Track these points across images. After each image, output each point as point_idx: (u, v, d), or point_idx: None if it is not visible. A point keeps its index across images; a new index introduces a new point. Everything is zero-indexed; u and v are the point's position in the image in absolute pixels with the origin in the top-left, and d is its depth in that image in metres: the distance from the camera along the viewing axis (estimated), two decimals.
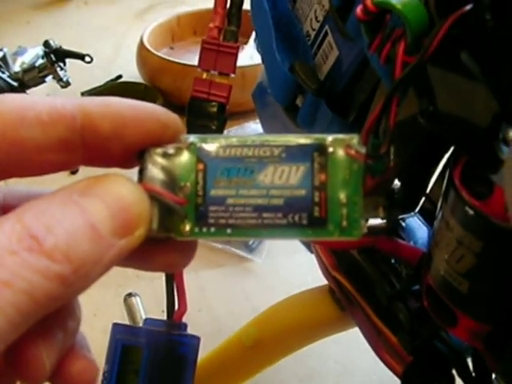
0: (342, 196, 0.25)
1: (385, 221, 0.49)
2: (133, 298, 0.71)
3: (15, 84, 1.22)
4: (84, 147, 0.25)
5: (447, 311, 0.41)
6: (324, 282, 0.56)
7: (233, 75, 0.53)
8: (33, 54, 1.32)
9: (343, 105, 0.48)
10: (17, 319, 0.22)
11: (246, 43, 1.22)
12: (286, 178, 0.26)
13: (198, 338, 0.55)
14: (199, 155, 0.25)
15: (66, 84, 1.26)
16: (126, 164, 0.27)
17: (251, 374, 0.58)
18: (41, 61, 1.27)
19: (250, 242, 0.88)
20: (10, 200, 0.27)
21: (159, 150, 0.25)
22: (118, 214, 0.23)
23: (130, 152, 0.26)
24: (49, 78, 1.26)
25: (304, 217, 0.25)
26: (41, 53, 1.32)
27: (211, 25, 0.51)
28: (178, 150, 0.25)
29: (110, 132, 0.25)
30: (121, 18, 1.78)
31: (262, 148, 0.26)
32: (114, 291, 0.74)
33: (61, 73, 1.25)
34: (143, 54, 1.29)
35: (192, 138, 0.26)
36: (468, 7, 0.31)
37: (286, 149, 0.26)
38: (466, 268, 0.37)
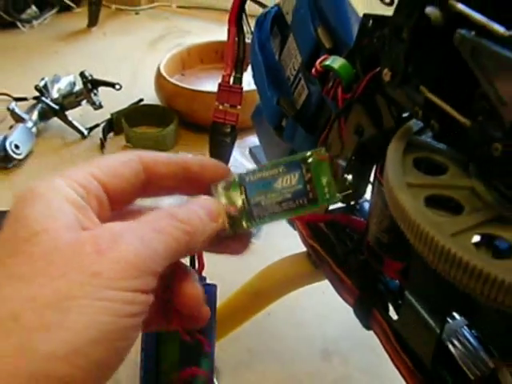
0: (323, 181, 0.42)
1: (344, 204, 0.69)
2: None
3: (56, 107, 1.40)
4: (185, 181, 0.42)
5: (378, 258, 0.61)
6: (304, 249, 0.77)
7: (239, 106, 0.75)
8: (66, 81, 1.50)
9: (312, 126, 0.67)
10: (167, 252, 0.36)
11: (245, 70, 1.41)
12: (290, 181, 0.41)
13: (215, 285, 0.74)
14: (241, 182, 0.41)
15: (99, 107, 1.43)
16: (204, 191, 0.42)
17: (253, 314, 0.79)
18: (77, 88, 1.45)
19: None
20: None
21: (221, 184, 0.41)
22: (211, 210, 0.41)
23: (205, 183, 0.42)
24: (83, 102, 1.44)
25: (304, 200, 0.41)
26: (72, 80, 1.50)
27: (224, 73, 0.72)
28: (230, 183, 0.41)
29: (199, 173, 0.42)
30: (136, 47, 1.91)
31: (272, 169, 0.41)
32: None
33: (94, 98, 1.42)
34: (160, 81, 1.46)
35: (234, 174, 0.42)
36: (377, 69, 0.52)
37: (285, 166, 0.41)
38: (385, 227, 0.56)
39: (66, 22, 2.15)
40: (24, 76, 1.65)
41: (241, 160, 1.23)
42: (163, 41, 1.95)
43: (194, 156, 0.44)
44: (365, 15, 0.51)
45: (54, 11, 2.20)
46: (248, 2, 0.75)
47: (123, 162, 0.41)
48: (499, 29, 0.34)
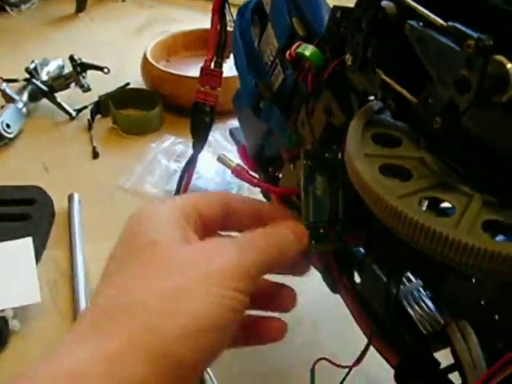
0: None
1: None
2: None
3: (46, 89, 1.44)
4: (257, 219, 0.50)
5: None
6: None
7: (219, 88, 0.80)
8: (55, 64, 1.54)
9: (287, 107, 0.71)
10: (261, 263, 0.43)
11: (228, 57, 1.46)
12: None
13: None
14: None
15: (87, 89, 1.47)
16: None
17: None
18: (66, 71, 1.49)
19: None
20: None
21: None
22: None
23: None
24: (72, 85, 1.48)
25: None
26: (61, 63, 1.54)
27: (206, 58, 0.78)
28: None
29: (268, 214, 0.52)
30: (122, 33, 1.95)
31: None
32: None
33: (83, 81, 1.47)
34: (146, 66, 1.50)
35: None
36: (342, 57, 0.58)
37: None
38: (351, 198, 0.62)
39: (54, 7, 2.17)
40: (14, 59, 1.69)
41: (222, 141, 1.28)
42: (149, 28, 1.98)
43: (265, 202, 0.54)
44: (334, 7, 0.57)
45: None
46: None
47: (215, 196, 0.49)
48: (439, 21, 0.40)
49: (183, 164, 0.88)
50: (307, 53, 0.60)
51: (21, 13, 2.13)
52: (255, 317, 0.54)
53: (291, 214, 0.55)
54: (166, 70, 1.47)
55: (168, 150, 1.29)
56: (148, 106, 1.43)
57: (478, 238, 0.39)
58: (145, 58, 1.52)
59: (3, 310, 0.86)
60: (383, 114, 0.53)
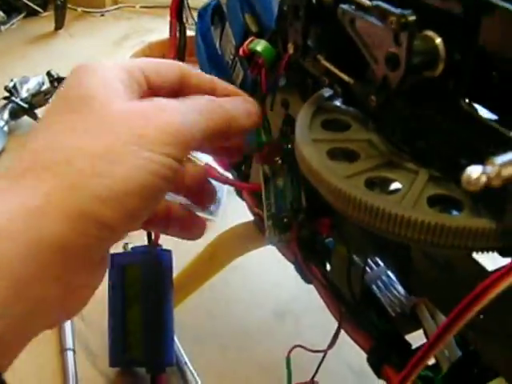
0: None
1: None
2: (128, 245, 0.95)
3: (26, 106, 1.44)
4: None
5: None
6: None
7: None
8: (35, 81, 1.55)
9: None
10: (203, 131, 0.42)
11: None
12: None
13: (170, 251, 0.81)
14: None
15: None
16: None
17: (209, 277, 0.86)
18: (45, 87, 1.50)
19: (210, 207, 1.14)
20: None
21: None
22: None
23: None
24: (51, 100, 1.48)
25: None
26: (41, 80, 1.55)
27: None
28: None
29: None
30: (102, 46, 1.96)
31: None
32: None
33: None
34: None
35: None
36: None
37: None
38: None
39: (34, 26, 2.18)
40: None
41: None
42: (128, 40, 2.00)
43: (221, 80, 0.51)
44: (281, 0, 0.58)
45: (21, 16, 2.23)
46: None
47: (167, 64, 0.47)
48: (366, 2, 0.40)
49: None
50: (259, 48, 0.60)
51: (0, 33, 2.13)
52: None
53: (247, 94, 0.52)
54: None
55: None
56: None
57: (422, 211, 0.40)
58: None
59: None
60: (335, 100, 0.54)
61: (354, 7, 0.42)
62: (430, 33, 0.39)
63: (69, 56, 1.88)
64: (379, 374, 0.59)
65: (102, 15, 2.29)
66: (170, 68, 0.47)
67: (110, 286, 0.81)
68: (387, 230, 0.41)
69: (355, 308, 0.62)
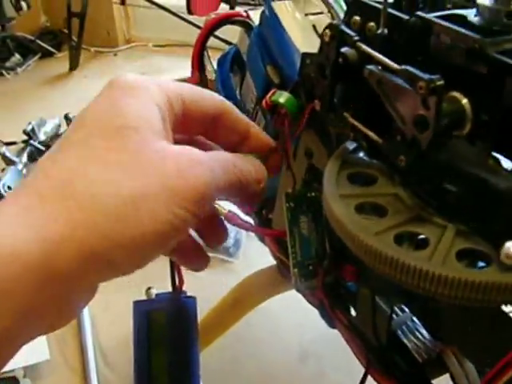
0: None
1: None
2: (151, 290, 0.96)
3: (44, 149, 1.47)
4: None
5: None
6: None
7: None
8: (52, 124, 1.58)
9: None
10: (224, 189, 0.43)
11: None
12: None
13: (195, 298, 0.82)
14: None
15: None
16: None
17: (233, 323, 0.86)
18: (62, 129, 1.53)
19: (230, 249, 1.16)
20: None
21: None
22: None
23: None
24: None
25: None
26: (58, 122, 1.59)
27: None
28: None
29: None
30: None
31: None
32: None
33: None
34: None
35: None
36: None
37: None
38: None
39: (49, 67, 2.22)
40: (12, 121, 1.71)
41: None
42: None
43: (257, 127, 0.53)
44: (303, 53, 0.59)
45: (36, 57, 2.27)
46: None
47: (209, 97, 0.47)
48: (394, 65, 0.41)
49: None
50: (282, 100, 0.61)
51: (17, 75, 2.18)
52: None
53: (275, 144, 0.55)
54: None
55: None
56: None
57: (452, 267, 0.40)
58: None
59: (13, 370, 0.87)
60: (359, 153, 0.55)
61: (380, 67, 0.43)
62: (457, 94, 0.40)
63: (84, 96, 1.85)
64: None
65: (115, 54, 2.33)
66: (210, 101, 0.47)
67: (135, 332, 0.81)
68: (418, 286, 0.42)
69: (381, 353, 0.63)
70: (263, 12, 0.69)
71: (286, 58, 0.65)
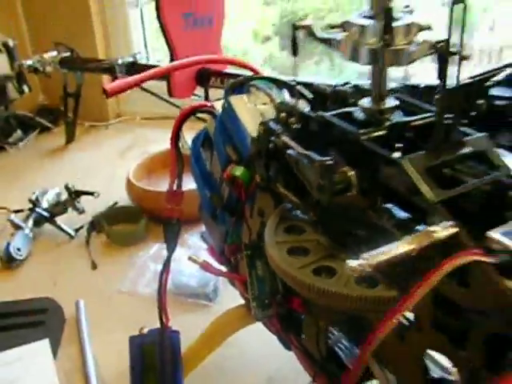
0: None
1: None
2: (144, 329, 1.12)
3: (47, 215, 1.62)
4: None
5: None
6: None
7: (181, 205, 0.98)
8: (53, 193, 1.71)
9: (234, 212, 0.92)
10: None
11: None
12: None
13: (178, 332, 0.98)
14: None
15: (82, 212, 1.65)
16: None
17: (210, 352, 1.02)
18: (63, 197, 1.67)
19: (210, 295, 1.31)
20: None
21: None
22: None
23: None
24: (69, 209, 1.66)
25: None
26: (58, 191, 1.71)
27: (169, 182, 0.96)
28: None
29: None
30: (108, 158, 2.13)
31: None
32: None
33: (78, 205, 1.64)
34: (130, 186, 1.67)
35: None
36: None
37: None
38: None
39: (47, 141, 2.38)
40: (16, 190, 1.87)
41: (199, 243, 1.44)
42: (131, 150, 2.17)
43: None
44: (251, 138, 0.76)
45: (35, 133, 2.43)
46: None
47: None
48: (302, 150, 0.59)
49: None
50: (237, 173, 0.78)
51: (18, 149, 2.32)
52: None
53: None
54: (146, 188, 1.65)
55: (154, 255, 1.47)
56: (135, 220, 1.59)
57: (351, 288, 0.58)
58: (128, 178, 1.70)
59: None
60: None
61: (297, 152, 0.61)
62: (346, 168, 0.57)
63: (80, 167, 2.07)
64: None
65: (107, 128, 2.49)
66: None
67: (131, 361, 0.97)
68: (329, 304, 0.59)
69: (323, 365, 0.79)
70: (223, 104, 0.87)
71: (240, 140, 0.82)
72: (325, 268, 0.62)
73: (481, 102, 0.80)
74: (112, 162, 2.11)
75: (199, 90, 1.53)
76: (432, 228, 0.46)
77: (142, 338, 1.00)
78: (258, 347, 1.13)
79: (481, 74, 0.82)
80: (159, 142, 2.07)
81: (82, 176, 1.91)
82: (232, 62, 1.14)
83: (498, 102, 0.81)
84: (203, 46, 1.31)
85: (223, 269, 1.00)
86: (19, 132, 2.39)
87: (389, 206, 0.56)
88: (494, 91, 0.81)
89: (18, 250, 1.52)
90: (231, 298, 1.08)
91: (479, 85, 0.80)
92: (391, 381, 0.71)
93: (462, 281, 0.48)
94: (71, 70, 2.08)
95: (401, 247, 0.45)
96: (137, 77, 1.15)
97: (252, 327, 1.00)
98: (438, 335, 0.53)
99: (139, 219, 1.60)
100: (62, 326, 1.26)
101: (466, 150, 0.54)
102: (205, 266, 0.95)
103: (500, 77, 0.80)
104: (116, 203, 1.74)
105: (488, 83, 0.79)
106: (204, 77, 1.21)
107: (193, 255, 0.94)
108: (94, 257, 1.53)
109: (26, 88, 2.21)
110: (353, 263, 0.45)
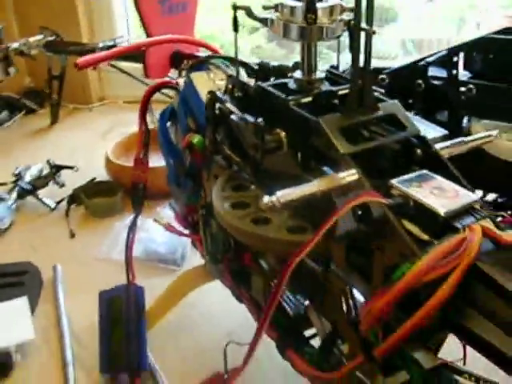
0: None
1: None
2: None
3: (30, 188, 1.70)
4: None
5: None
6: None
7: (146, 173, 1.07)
8: (36, 168, 1.78)
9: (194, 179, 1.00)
10: None
11: None
12: None
13: (143, 287, 1.07)
14: None
15: (62, 185, 1.73)
16: None
17: (172, 306, 1.11)
18: (44, 172, 1.76)
19: (178, 260, 1.40)
20: None
21: None
22: None
23: None
24: (50, 183, 1.74)
25: None
26: (41, 167, 1.79)
27: (136, 152, 1.05)
28: None
29: None
30: (90, 138, 2.20)
31: None
32: None
33: (58, 179, 1.73)
34: (109, 163, 1.75)
35: None
36: None
37: None
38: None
39: (32, 122, 2.45)
40: (1, 166, 1.94)
41: (169, 213, 1.52)
42: (112, 132, 2.23)
43: None
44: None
45: (21, 114, 2.50)
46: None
47: None
48: (239, 114, 0.67)
49: (140, 234, 1.17)
50: (194, 140, 0.87)
51: (4, 129, 2.40)
52: None
53: None
54: (124, 164, 1.72)
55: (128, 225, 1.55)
56: (112, 194, 1.67)
57: (283, 234, 0.66)
58: (106, 156, 1.78)
59: (8, 347, 1.11)
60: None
61: (238, 116, 0.70)
62: (278, 130, 0.66)
63: (62, 147, 2.14)
64: (284, 355, 0.84)
65: (90, 110, 2.55)
66: None
67: (100, 314, 1.06)
68: (265, 248, 0.67)
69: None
70: (185, 80, 0.95)
71: (198, 110, 0.90)
72: (262, 218, 0.70)
73: (419, 81, 0.89)
74: (93, 142, 2.18)
75: (173, 73, 1.60)
76: (338, 174, 0.55)
77: (110, 292, 1.08)
78: (218, 306, 1.22)
79: (421, 59, 0.91)
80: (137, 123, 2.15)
81: (65, 155, 1.97)
82: (199, 43, 1.22)
83: (434, 82, 0.90)
84: (178, 31, 1.38)
85: (185, 231, 1.08)
86: (5, 113, 2.46)
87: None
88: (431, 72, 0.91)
89: (1, 220, 1.60)
90: (197, 263, 1.16)
91: (417, 66, 0.89)
92: (327, 327, 0.80)
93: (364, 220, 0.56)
94: (56, 53, 2.14)
95: (308, 188, 0.53)
96: (108, 52, 1.22)
97: (213, 288, 1.08)
98: (350, 271, 0.62)
99: (116, 193, 1.67)
100: (39, 287, 1.35)
101: (379, 113, 0.63)
102: (167, 227, 1.03)
103: (432, 58, 0.89)
104: (95, 178, 1.81)
105: (421, 63, 0.88)
106: (177, 59, 1.28)
107: (157, 217, 1.02)
108: (73, 227, 1.62)
109: (12, 70, 2.28)
110: (265, 199, 0.53)
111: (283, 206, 0.53)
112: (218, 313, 1.22)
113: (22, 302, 1.21)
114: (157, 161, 1.24)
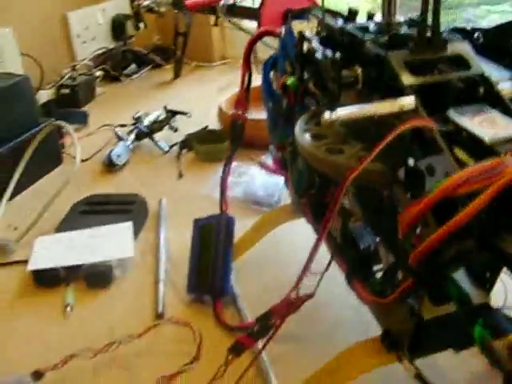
0: None
1: None
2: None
3: (147, 131, 1.81)
4: None
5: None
6: None
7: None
8: (154, 114, 1.90)
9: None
10: None
11: None
12: None
13: (234, 217, 1.14)
14: None
15: (176, 130, 1.84)
16: None
17: (258, 240, 1.19)
18: (162, 117, 1.87)
19: (272, 204, 1.46)
20: None
21: None
22: None
23: None
24: (166, 128, 1.86)
25: None
26: (159, 113, 1.90)
27: (239, 94, 1.12)
28: None
29: None
30: (207, 92, 2.31)
31: None
32: None
33: (173, 124, 1.84)
34: (221, 113, 1.84)
35: None
36: None
37: None
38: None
39: (157, 76, 2.59)
40: (125, 112, 2.06)
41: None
42: (229, 88, 2.30)
43: None
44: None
45: (148, 68, 2.65)
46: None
47: None
48: (322, 50, 0.73)
49: (242, 178, 1.26)
50: (288, 82, 0.92)
51: (132, 81, 2.55)
52: None
53: None
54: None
55: (232, 169, 1.63)
56: (221, 141, 1.75)
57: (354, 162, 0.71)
58: (219, 107, 1.88)
59: (110, 261, 1.22)
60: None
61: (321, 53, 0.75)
62: (356, 66, 0.71)
63: (180, 98, 2.26)
64: (350, 284, 0.89)
65: (211, 69, 2.66)
66: None
67: (193, 239, 1.15)
68: (337, 174, 0.73)
69: (340, 247, 0.93)
70: (286, 27, 1.01)
71: (293, 54, 0.95)
72: (336, 149, 0.76)
73: None
74: (210, 95, 2.27)
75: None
76: (397, 100, 0.60)
77: (203, 220, 1.17)
78: (304, 244, 1.27)
79: None
80: (257, 81, 2.22)
81: (182, 105, 2.06)
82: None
83: None
84: None
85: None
86: (134, 66, 2.61)
87: None
88: None
89: (119, 156, 1.72)
90: None
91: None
92: (390, 259, 0.84)
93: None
94: (182, 11, 2.24)
95: (367, 108, 0.59)
96: None
97: (299, 228, 1.13)
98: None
99: (224, 140, 1.75)
100: (145, 217, 1.46)
101: (447, 52, 0.67)
102: (262, 165, 1.10)
103: None
104: (207, 127, 1.91)
105: None
106: (288, 16, 1.34)
107: (261, 161, 1.09)
108: (183, 170, 1.72)
109: (141, 25, 2.42)
110: (327, 114, 0.59)
111: (341, 122, 0.58)
112: (302, 251, 1.28)
113: (127, 226, 1.32)
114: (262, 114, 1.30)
